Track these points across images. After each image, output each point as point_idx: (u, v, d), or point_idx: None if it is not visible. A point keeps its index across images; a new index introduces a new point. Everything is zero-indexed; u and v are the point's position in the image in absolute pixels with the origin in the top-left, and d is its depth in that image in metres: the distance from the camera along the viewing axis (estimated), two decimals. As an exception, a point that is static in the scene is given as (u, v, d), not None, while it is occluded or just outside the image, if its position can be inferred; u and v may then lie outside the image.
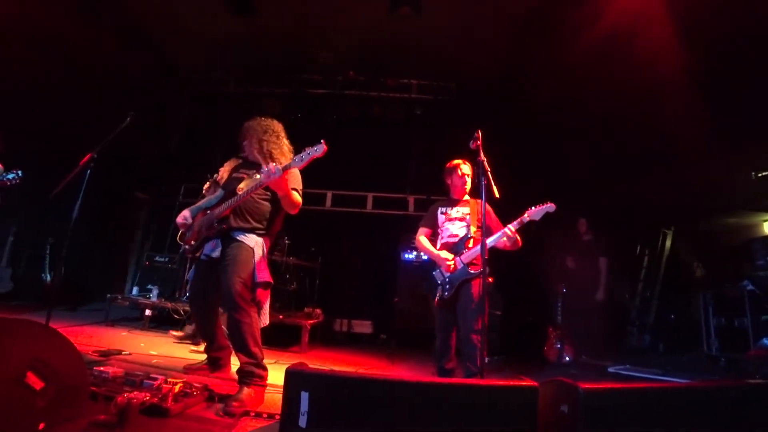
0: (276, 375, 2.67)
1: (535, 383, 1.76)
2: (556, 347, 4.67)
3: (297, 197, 2.66)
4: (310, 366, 2.00)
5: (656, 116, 4.93)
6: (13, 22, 4.46)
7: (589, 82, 4.90)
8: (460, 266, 2.97)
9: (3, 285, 5.54)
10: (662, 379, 4.02)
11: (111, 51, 5.30)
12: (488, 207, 3.10)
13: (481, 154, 2.61)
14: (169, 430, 1.93)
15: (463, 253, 2.99)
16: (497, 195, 2.59)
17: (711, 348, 5.09)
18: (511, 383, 1.76)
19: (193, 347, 3.84)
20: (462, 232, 3.09)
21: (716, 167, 5.38)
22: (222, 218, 2.67)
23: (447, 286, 2.97)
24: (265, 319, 2.69)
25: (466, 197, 3.22)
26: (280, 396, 2.41)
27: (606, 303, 5.06)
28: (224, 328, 2.93)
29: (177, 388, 2.20)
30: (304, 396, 1.60)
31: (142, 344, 3.87)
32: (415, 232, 3.30)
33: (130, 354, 3.32)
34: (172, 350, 3.73)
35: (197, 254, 2.81)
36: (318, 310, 5.21)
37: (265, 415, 2.19)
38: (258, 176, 2.54)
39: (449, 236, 3.12)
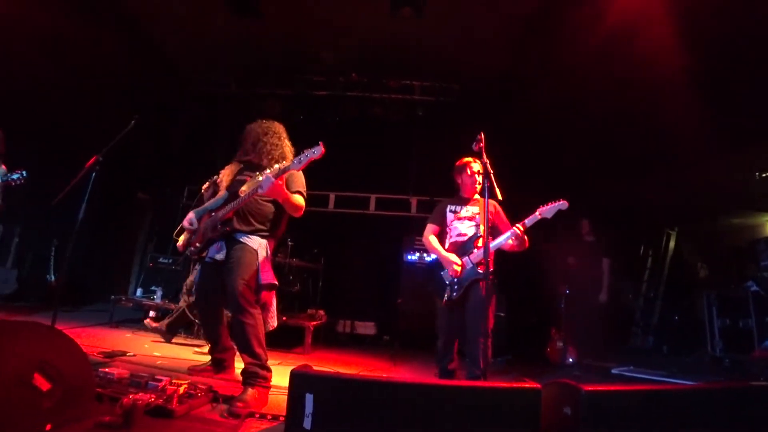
0: (280, 376, 2.68)
1: (538, 385, 1.76)
2: (559, 349, 4.66)
3: (299, 200, 2.65)
4: (315, 368, 2.02)
5: (660, 117, 4.92)
6: (13, 22, 4.48)
7: (590, 82, 4.90)
8: (469, 266, 2.94)
9: (8, 286, 5.58)
10: (666, 381, 4.01)
11: (112, 52, 5.32)
12: (499, 207, 3.10)
13: (484, 156, 2.62)
14: (174, 431, 1.94)
15: (472, 252, 2.96)
16: (500, 197, 2.59)
17: (715, 349, 5.07)
18: (514, 385, 1.76)
19: (196, 349, 3.85)
20: (471, 232, 3.05)
21: (720, 167, 5.37)
22: (225, 220, 2.68)
23: (455, 287, 2.93)
24: (273, 322, 2.70)
25: (476, 196, 3.18)
26: (284, 397, 2.42)
27: (609, 304, 5.05)
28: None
29: (182, 389, 2.21)
30: (309, 398, 1.62)
31: (146, 345, 3.89)
32: (421, 231, 3.25)
33: (134, 355, 3.33)
34: (176, 352, 3.75)
35: (202, 255, 2.82)
36: (321, 312, 5.22)
37: (269, 417, 2.20)
38: (260, 178, 2.55)
39: (458, 235, 3.09)
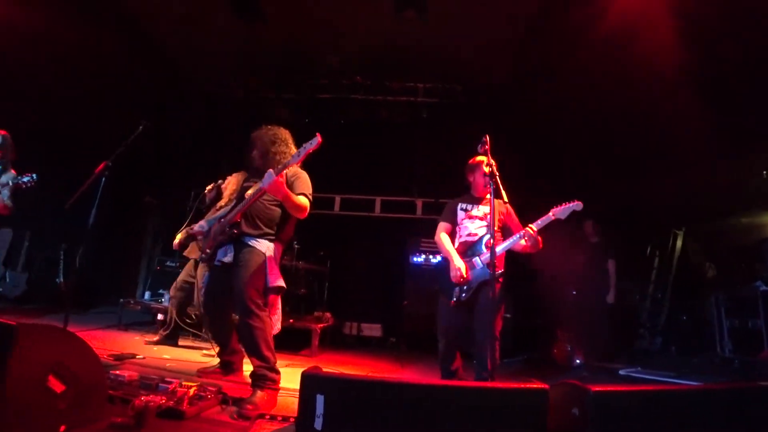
0: (288, 378, 2.70)
1: (546, 386, 1.77)
2: (566, 350, 4.65)
3: (301, 201, 2.65)
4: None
5: (666, 116, 4.91)
6: (17, 26, 4.55)
7: (595, 83, 4.89)
8: (479, 267, 2.90)
9: (18, 289, 5.65)
10: (674, 382, 3.98)
11: (115, 54, 5.35)
12: (510, 208, 3.05)
13: (489, 158, 2.62)
14: (185, 432, 1.97)
15: (482, 253, 2.91)
16: (506, 199, 2.60)
17: (724, 350, 5.03)
18: (522, 386, 1.77)
19: (205, 352, 3.88)
20: (482, 232, 3.00)
21: (727, 166, 5.33)
22: (233, 224, 2.71)
23: (465, 287, 2.90)
24: (278, 325, 2.72)
25: (488, 196, 3.15)
26: (293, 399, 2.46)
27: (615, 305, 5.03)
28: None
29: (192, 391, 2.24)
30: (320, 399, 1.63)
31: (155, 348, 3.92)
32: (427, 233, 3.25)
33: (143, 358, 3.37)
34: (184, 354, 3.78)
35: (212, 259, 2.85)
36: (328, 314, 5.24)
37: (279, 418, 2.22)
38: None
39: (468, 235, 3.05)
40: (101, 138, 5.12)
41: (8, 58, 4.81)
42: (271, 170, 2.47)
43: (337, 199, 6.86)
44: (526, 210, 3.10)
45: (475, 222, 3.06)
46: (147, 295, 5.64)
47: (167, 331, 4.16)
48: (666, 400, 1.87)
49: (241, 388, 2.67)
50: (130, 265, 7.18)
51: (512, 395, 1.75)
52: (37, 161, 4.01)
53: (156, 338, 4.21)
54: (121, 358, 3.21)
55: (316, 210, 2.91)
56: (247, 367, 2.86)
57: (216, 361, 3.10)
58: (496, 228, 3.01)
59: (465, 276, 2.87)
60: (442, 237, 3.11)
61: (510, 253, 3.00)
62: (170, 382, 2.36)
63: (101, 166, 3.06)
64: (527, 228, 2.83)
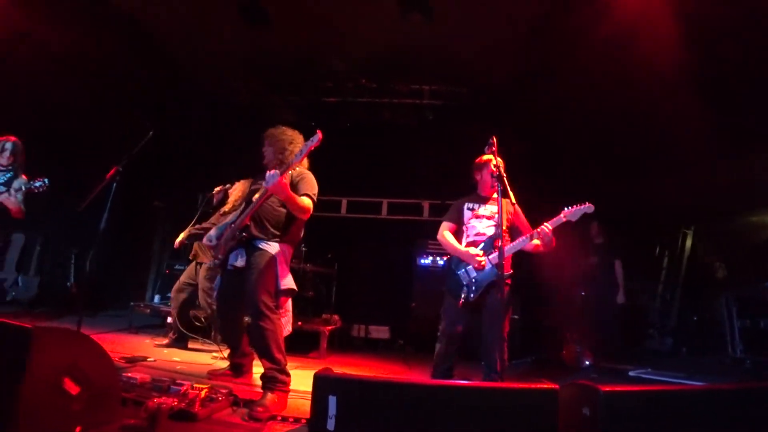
0: (297, 380, 2.72)
1: (556, 385, 1.77)
2: (575, 351, 4.62)
3: (304, 202, 2.64)
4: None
5: (666, 116, 4.88)
6: (26, 34, 4.61)
7: (602, 83, 4.87)
8: (488, 267, 2.85)
9: (30, 293, 5.73)
10: (685, 383, 3.94)
11: (123, 60, 5.42)
12: (518, 208, 2.99)
13: (496, 159, 2.62)
14: (197, 434, 1.99)
15: (491, 253, 2.86)
16: (513, 200, 2.59)
17: (735, 350, 4.97)
18: (532, 386, 1.77)
19: (215, 354, 3.91)
20: (490, 231, 2.95)
21: (737, 165, 5.29)
22: (243, 227, 2.73)
23: (473, 288, 2.85)
24: (288, 327, 2.74)
25: (495, 195, 3.02)
26: (304, 401, 2.47)
27: (625, 305, 5.00)
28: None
29: (203, 393, 2.26)
30: (332, 400, 1.65)
31: (165, 351, 3.96)
32: (434, 235, 3.14)
33: (154, 360, 3.40)
34: (194, 357, 3.82)
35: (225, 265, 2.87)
36: (335, 316, 5.26)
37: (291, 419, 2.24)
38: None
39: (476, 235, 2.99)
40: (101, 138, 5.19)
41: (8, 59, 4.86)
42: (275, 171, 2.47)
43: (344, 201, 6.89)
44: (526, 210, 3.09)
45: (482, 221, 3.01)
46: (156, 298, 5.70)
47: (176, 334, 4.20)
48: (676, 400, 1.86)
49: (251, 390, 2.69)
50: (139, 268, 7.26)
51: (523, 395, 1.75)
52: (45, 165, 4.06)
53: (166, 341, 4.25)
54: (132, 361, 3.25)
55: (323, 212, 2.93)
56: (257, 370, 2.88)
57: (225, 363, 3.13)
58: (509, 226, 3.01)
59: (486, 262, 2.83)
60: (446, 234, 3.06)
61: (517, 255, 2.97)
62: (182, 384, 2.38)
63: (112, 171, 3.10)
64: (543, 226, 2.78)
